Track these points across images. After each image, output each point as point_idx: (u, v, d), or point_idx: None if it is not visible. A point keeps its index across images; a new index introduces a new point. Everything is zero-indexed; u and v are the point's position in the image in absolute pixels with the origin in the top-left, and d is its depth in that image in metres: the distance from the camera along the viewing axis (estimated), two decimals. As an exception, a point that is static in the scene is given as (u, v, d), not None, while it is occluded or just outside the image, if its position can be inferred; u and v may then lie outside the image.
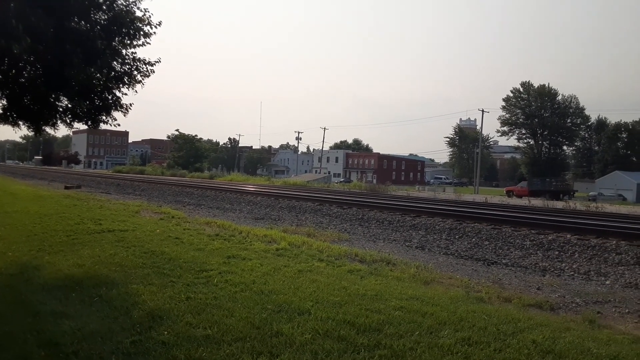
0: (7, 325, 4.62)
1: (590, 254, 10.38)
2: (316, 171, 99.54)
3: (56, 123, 8.67)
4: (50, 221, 11.78)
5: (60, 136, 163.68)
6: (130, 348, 4.10)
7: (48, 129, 9.06)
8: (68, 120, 8.53)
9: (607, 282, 8.18)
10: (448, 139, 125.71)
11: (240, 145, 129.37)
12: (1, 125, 8.65)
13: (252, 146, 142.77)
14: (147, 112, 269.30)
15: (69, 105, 8.32)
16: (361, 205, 19.78)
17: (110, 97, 8.46)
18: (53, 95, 8.00)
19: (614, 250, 10.61)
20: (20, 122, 8.41)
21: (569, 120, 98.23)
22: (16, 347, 4.14)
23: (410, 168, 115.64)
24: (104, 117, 8.65)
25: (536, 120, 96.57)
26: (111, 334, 4.40)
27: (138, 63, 8.42)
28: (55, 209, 14.69)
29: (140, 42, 8.22)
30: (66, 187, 26.95)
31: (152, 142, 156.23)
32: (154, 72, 8.62)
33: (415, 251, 10.53)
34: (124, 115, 8.91)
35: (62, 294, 5.66)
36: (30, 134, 9.56)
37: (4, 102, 8.07)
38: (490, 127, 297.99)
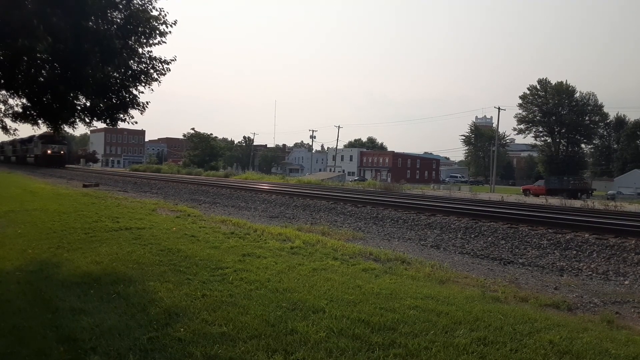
0: (27, 321, 4.71)
1: (609, 254, 10.23)
2: (330, 170, 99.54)
3: (75, 122, 8.82)
4: (68, 219, 11.95)
5: (79, 135, 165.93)
6: (147, 344, 4.15)
7: (67, 128, 9.20)
8: (87, 119, 8.67)
9: (626, 282, 8.05)
10: (464, 137, 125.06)
11: (254, 143, 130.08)
12: (21, 124, 8.82)
13: (266, 145, 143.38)
14: (163, 111, 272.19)
15: (87, 104, 8.45)
16: (375, 203, 19.72)
17: (127, 96, 8.58)
18: (71, 94, 8.13)
19: (633, 249, 10.44)
20: (40, 121, 8.56)
21: (587, 118, 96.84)
22: (36, 342, 4.22)
23: (425, 166, 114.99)
24: (121, 115, 8.77)
25: (553, 117, 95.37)
26: (129, 330, 4.46)
27: (154, 62, 8.52)
28: (74, 206, 14.89)
29: (156, 41, 8.32)
30: (84, 186, 27.27)
31: (169, 141, 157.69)
32: (170, 70, 8.72)
33: (430, 250, 10.47)
34: (141, 114, 9.03)
35: (80, 290, 5.74)
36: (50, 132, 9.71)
37: (24, 101, 8.22)
38: (507, 125, 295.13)
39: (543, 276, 8.23)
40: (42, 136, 61.29)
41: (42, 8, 6.35)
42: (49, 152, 64.90)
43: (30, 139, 66.40)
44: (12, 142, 77.11)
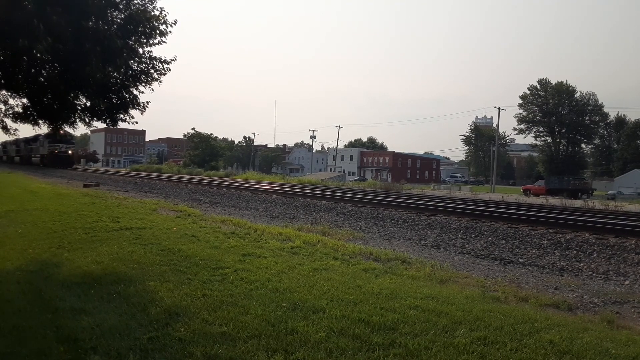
0: (27, 321, 4.71)
1: (609, 254, 10.22)
2: (331, 169, 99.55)
3: (75, 122, 8.84)
4: (69, 219, 11.95)
5: (79, 135, 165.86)
6: (148, 344, 4.15)
7: (67, 128, 9.21)
8: (87, 119, 8.68)
9: (626, 282, 8.05)
10: (464, 137, 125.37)
11: (255, 143, 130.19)
12: (21, 124, 8.83)
13: (267, 145, 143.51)
14: (163, 111, 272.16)
15: (88, 104, 8.46)
16: (376, 203, 19.72)
17: (127, 96, 8.58)
18: (72, 94, 8.13)
19: (633, 249, 10.44)
20: (40, 121, 8.56)
21: (587, 118, 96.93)
22: (36, 342, 4.22)
23: (425, 166, 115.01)
24: (121, 115, 8.77)
25: (554, 117, 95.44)
26: (129, 330, 4.46)
27: (154, 61, 8.52)
28: (74, 206, 14.88)
29: (156, 41, 8.31)
30: (85, 186, 27.25)
31: (169, 141, 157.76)
32: (170, 70, 8.72)
33: (430, 250, 10.47)
34: (141, 113, 9.04)
35: (81, 290, 5.74)
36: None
37: (25, 101, 8.23)
38: (507, 125, 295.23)
39: (543, 276, 8.22)
40: (48, 135, 56.89)
41: (43, 8, 6.36)
42: (55, 151, 61.52)
43: (36, 138, 63.61)
44: (16, 142, 73.80)
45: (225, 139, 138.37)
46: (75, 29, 6.91)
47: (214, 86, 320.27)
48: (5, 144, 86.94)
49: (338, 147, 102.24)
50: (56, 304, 5.22)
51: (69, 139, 62.69)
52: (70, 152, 64.54)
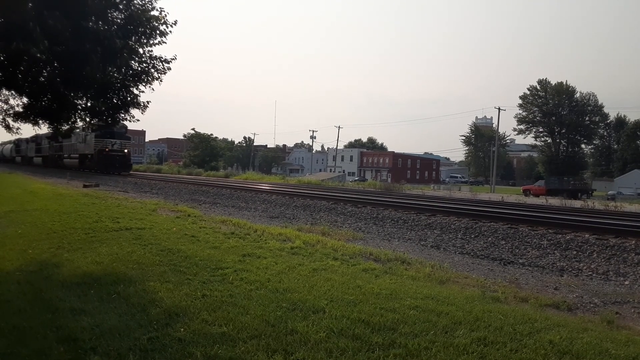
0: (27, 321, 4.71)
1: (609, 254, 10.22)
2: (331, 170, 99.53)
3: (75, 121, 8.82)
4: (69, 219, 11.94)
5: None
6: (148, 344, 4.15)
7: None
8: (87, 119, 8.68)
9: (626, 283, 8.05)
10: (464, 138, 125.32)
11: (255, 144, 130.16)
12: (22, 124, 8.82)
13: (266, 145, 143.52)
14: (164, 112, 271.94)
15: (88, 104, 8.46)
16: (376, 204, 19.72)
17: (128, 95, 8.59)
18: (72, 94, 8.13)
19: (633, 250, 10.44)
20: (40, 121, 8.56)
21: (587, 118, 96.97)
22: (36, 342, 4.22)
23: (425, 167, 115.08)
24: (122, 115, 8.77)
25: (554, 118, 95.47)
26: (129, 330, 4.46)
27: (155, 61, 8.53)
28: (74, 207, 14.87)
29: (156, 41, 8.32)
30: (85, 186, 27.21)
31: (169, 141, 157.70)
32: (170, 69, 8.73)
33: (430, 250, 10.47)
34: (142, 113, 9.05)
35: (80, 290, 5.74)
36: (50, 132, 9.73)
37: (24, 100, 8.23)
38: (507, 125, 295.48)
39: (543, 276, 8.22)
40: (97, 127, 44.16)
41: (39, 10, 6.35)
42: (106, 150, 43.82)
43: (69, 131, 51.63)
44: (35, 139, 57.30)
45: (225, 139, 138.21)
46: (75, 30, 6.91)
47: (214, 86, 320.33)
48: (19, 141, 69.37)
49: (338, 148, 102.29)
50: (56, 304, 5.22)
51: (123, 132, 45.54)
52: (126, 150, 46.96)
